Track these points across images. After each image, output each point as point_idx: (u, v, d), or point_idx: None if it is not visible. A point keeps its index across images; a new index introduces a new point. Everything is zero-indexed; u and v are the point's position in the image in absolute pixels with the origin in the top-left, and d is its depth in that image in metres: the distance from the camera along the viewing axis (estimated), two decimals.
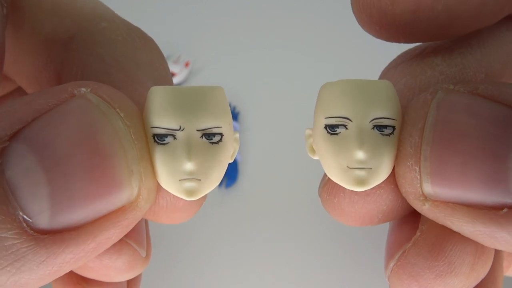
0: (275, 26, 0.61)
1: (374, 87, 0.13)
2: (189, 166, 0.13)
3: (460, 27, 0.15)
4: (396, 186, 0.14)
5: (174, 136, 0.13)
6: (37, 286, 0.12)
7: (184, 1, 0.65)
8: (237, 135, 0.14)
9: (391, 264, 0.15)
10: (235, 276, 0.41)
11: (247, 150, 0.48)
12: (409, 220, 0.15)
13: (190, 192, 0.13)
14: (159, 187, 0.14)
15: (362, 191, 0.14)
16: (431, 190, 0.13)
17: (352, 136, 0.13)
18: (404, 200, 0.14)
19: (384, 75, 0.17)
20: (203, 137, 0.13)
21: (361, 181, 0.13)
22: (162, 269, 0.40)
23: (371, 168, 0.13)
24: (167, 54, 0.55)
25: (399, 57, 0.17)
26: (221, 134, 0.13)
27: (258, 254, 0.41)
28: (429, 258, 0.14)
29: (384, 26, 0.15)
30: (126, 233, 0.13)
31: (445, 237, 0.14)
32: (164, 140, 0.13)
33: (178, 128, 0.13)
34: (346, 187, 0.14)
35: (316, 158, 0.15)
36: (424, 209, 0.13)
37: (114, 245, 0.14)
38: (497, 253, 0.16)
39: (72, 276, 0.17)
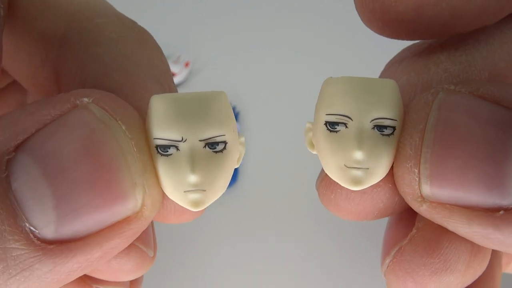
0: (275, 26, 0.61)
1: (377, 86, 0.13)
2: (193, 178, 0.13)
3: (463, 25, 0.15)
4: (393, 184, 0.14)
5: (177, 147, 0.13)
6: None
7: (184, 1, 0.65)
8: (243, 138, 0.14)
9: (387, 261, 0.15)
10: (235, 276, 0.41)
11: (247, 151, 0.48)
12: (406, 216, 0.15)
13: (195, 203, 0.13)
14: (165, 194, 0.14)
15: None
16: (429, 192, 0.13)
17: (352, 136, 0.13)
18: (401, 198, 0.14)
19: (387, 70, 0.17)
20: (207, 146, 0.13)
21: (357, 181, 0.13)
22: (162, 269, 0.41)
23: (368, 168, 0.13)
24: (167, 54, 0.55)
25: (403, 51, 0.17)
26: (224, 142, 0.13)
27: (258, 254, 0.42)
28: (425, 255, 0.14)
29: (386, 23, 0.15)
30: (131, 241, 0.14)
31: (441, 235, 0.14)
32: (167, 151, 0.13)
33: (180, 139, 0.13)
34: (342, 185, 0.14)
35: (314, 152, 0.15)
36: (422, 209, 0.13)
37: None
38: (496, 250, 0.16)
39: None
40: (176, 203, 0.14)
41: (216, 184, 0.13)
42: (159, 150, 0.13)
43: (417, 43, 0.17)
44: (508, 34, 0.16)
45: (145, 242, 0.16)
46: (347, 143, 0.13)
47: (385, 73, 0.17)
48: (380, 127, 0.13)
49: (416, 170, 0.13)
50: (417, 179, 0.13)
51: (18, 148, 0.12)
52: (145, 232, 0.16)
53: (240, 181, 0.46)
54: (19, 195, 0.12)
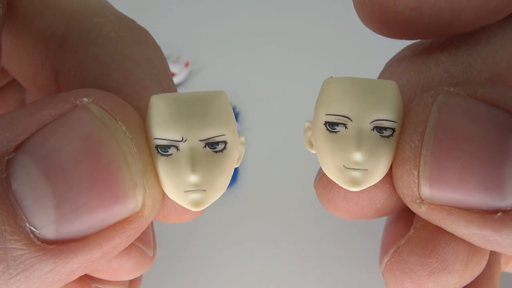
0: (275, 26, 0.61)
1: (378, 87, 0.13)
2: (193, 178, 0.13)
3: (462, 25, 0.14)
4: (391, 185, 0.14)
5: (177, 147, 0.13)
6: None
7: (184, 1, 0.65)
8: (243, 138, 0.14)
9: (385, 260, 0.15)
10: (235, 276, 0.41)
11: (247, 151, 0.48)
12: (404, 216, 0.16)
13: (195, 203, 0.13)
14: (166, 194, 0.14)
15: None
16: (428, 194, 0.13)
17: (351, 137, 0.13)
18: (398, 198, 0.14)
19: (387, 69, 0.17)
20: (207, 146, 0.13)
21: (356, 182, 0.13)
22: (162, 269, 0.41)
23: (367, 170, 0.13)
24: (167, 54, 0.55)
25: (403, 50, 0.17)
26: (225, 142, 0.13)
27: (258, 254, 0.42)
28: (422, 255, 0.14)
29: (385, 23, 0.15)
30: (132, 241, 0.14)
31: (438, 235, 0.14)
32: (167, 151, 0.13)
33: (180, 139, 0.13)
34: (340, 185, 0.14)
35: (313, 152, 0.15)
36: (420, 211, 0.13)
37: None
38: None
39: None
40: (177, 203, 0.14)
41: (216, 184, 0.13)
42: (159, 150, 0.13)
43: (417, 42, 0.17)
44: (509, 34, 0.15)
45: (145, 242, 0.16)
46: (346, 144, 0.13)
47: (385, 72, 0.17)
48: (379, 129, 0.13)
49: (416, 172, 0.13)
50: (416, 181, 0.13)
51: (18, 148, 0.12)
52: (145, 232, 0.16)
53: (240, 181, 0.46)
54: (19, 195, 0.12)
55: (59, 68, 0.17)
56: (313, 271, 0.41)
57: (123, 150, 0.12)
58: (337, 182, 0.14)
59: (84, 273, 0.13)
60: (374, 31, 0.15)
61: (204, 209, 0.16)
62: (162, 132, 0.13)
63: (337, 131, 0.13)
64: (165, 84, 0.17)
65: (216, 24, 0.62)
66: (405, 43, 0.17)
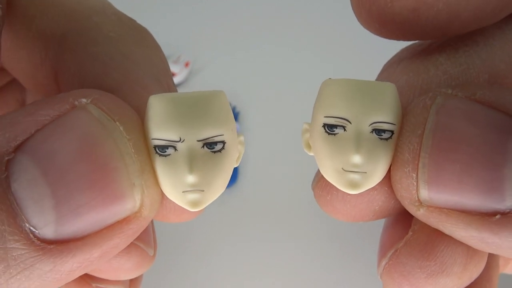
0: (275, 26, 0.61)
1: (377, 90, 0.13)
2: (190, 178, 0.13)
3: (460, 26, 0.14)
4: (390, 188, 0.14)
5: (175, 148, 0.13)
6: None
7: (184, 1, 0.65)
8: (242, 137, 0.14)
9: (383, 263, 0.15)
10: (235, 276, 0.41)
11: (247, 150, 0.48)
12: (402, 218, 0.15)
13: (194, 204, 0.13)
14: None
15: None
16: (427, 197, 0.13)
17: (350, 139, 0.13)
18: (397, 201, 0.14)
19: (386, 70, 0.17)
20: (205, 146, 0.13)
21: (354, 185, 0.13)
22: (162, 269, 0.41)
23: (366, 172, 0.13)
24: (167, 54, 0.55)
25: (402, 51, 0.17)
26: (223, 142, 0.13)
27: (258, 254, 0.42)
28: (421, 258, 0.14)
29: (383, 24, 0.15)
30: (131, 241, 0.14)
31: (437, 237, 0.14)
32: (165, 151, 0.13)
33: (178, 139, 0.13)
34: (339, 188, 0.14)
35: (311, 154, 0.14)
36: (419, 214, 0.13)
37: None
38: None
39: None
40: (176, 203, 0.14)
41: (214, 184, 0.13)
42: (157, 150, 0.13)
43: (416, 43, 0.17)
44: (508, 35, 0.15)
45: (145, 241, 0.16)
46: (345, 147, 0.13)
47: (384, 74, 0.17)
48: (378, 131, 0.13)
49: (414, 175, 0.13)
50: (415, 183, 0.13)
51: (17, 149, 0.12)
52: (145, 231, 0.17)
53: (240, 181, 0.46)
54: (18, 195, 0.12)
55: (58, 67, 0.17)
56: (313, 271, 0.41)
57: (120, 150, 0.13)
58: (335, 185, 0.14)
59: (84, 272, 0.13)
60: (372, 32, 0.15)
61: (203, 209, 0.16)
62: (160, 133, 0.13)
63: (336, 134, 0.13)
64: (165, 83, 0.17)
65: (216, 24, 0.62)
66: (403, 44, 0.17)
